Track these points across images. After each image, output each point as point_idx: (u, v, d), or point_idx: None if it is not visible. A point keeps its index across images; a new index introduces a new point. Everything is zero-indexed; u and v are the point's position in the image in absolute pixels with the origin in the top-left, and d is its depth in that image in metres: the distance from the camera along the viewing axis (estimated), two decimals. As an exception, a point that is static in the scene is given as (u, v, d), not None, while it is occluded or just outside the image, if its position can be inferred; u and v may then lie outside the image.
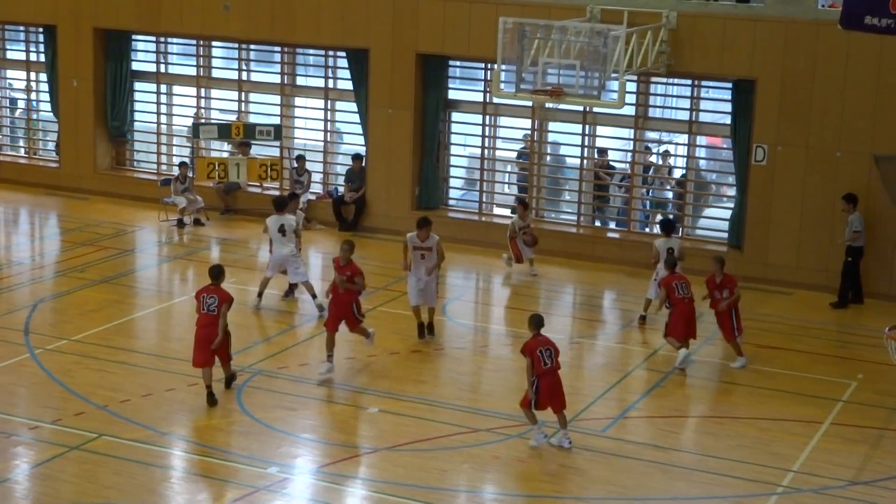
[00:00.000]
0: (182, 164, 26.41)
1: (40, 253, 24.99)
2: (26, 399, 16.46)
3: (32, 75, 30.05)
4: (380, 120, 25.76)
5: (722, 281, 18.58)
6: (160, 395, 16.55)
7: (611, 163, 25.88)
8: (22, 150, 30.91)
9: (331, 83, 27.25)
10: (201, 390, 16.65)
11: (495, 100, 24.76)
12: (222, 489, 13.93)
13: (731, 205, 24.08)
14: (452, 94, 26.25)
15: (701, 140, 25.74)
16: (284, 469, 14.53)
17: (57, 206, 27.78)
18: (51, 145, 30.36)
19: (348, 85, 26.47)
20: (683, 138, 25.39)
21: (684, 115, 24.76)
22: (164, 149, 29.17)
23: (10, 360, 17.67)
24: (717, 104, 25.18)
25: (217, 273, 16.79)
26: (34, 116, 30.80)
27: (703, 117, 24.71)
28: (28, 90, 30.44)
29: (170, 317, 20.59)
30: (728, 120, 23.79)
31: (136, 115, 29.19)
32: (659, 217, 24.23)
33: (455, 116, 26.38)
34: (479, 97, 26.04)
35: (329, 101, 27.30)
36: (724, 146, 25.01)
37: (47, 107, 29.61)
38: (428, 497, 13.86)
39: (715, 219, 25.23)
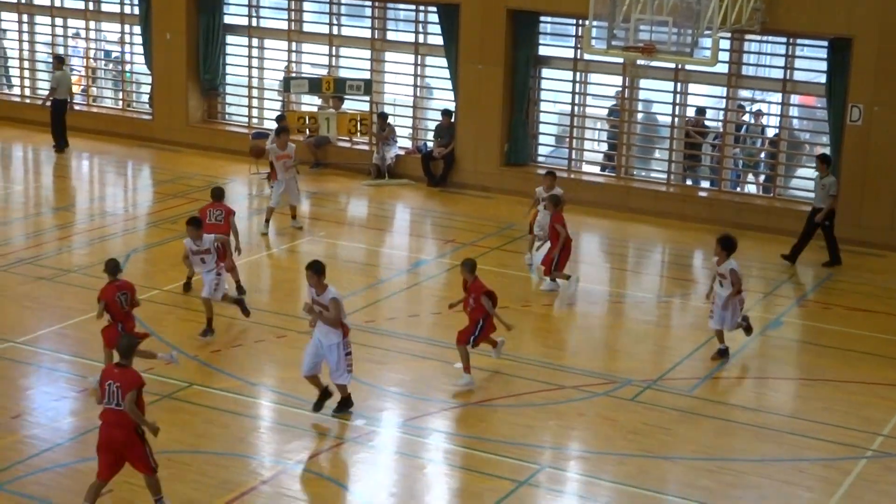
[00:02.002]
0: (280, 118, 26.50)
1: (133, 204, 25.36)
2: (120, 347, 16.71)
3: (126, 28, 30.37)
4: (470, 75, 25.70)
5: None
6: (250, 347, 16.76)
7: (703, 121, 25.61)
8: (116, 103, 31.31)
9: (421, 38, 27.22)
10: (292, 342, 16.85)
11: (586, 56, 24.53)
12: (311, 440, 14.10)
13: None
14: (543, 51, 26.11)
15: (794, 99, 25.34)
16: (371, 422, 14.66)
17: (150, 157, 28.13)
18: (144, 98, 30.75)
19: (439, 40, 26.43)
20: (777, 97, 25.03)
21: (778, 74, 24.40)
22: (255, 102, 29.39)
23: (104, 309, 17.96)
24: (812, 62, 24.75)
25: (219, 193, 18.86)
26: (128, 69, 31.16)
27: (798, 76, 24.30)
28: (122, 43, 30.79)
29: (260, 269, 20.81)
30: (823, 79, 23.39)
31: (228, 69, 29.42)
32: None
33: (545, 73, 26.25)
34: (569, 53, 25.88)
35: (419, 57, 27.29)
36: (819, 105, 24.62)
37: (141, 59, 29.94)
38: (513, 452, 13.91)
39: (808, 179, 24.88)
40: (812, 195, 23.90)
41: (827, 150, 22.97)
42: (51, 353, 16.39)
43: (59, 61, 28.51)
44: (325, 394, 14.67)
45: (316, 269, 14.55)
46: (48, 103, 28.16)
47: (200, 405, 14.87)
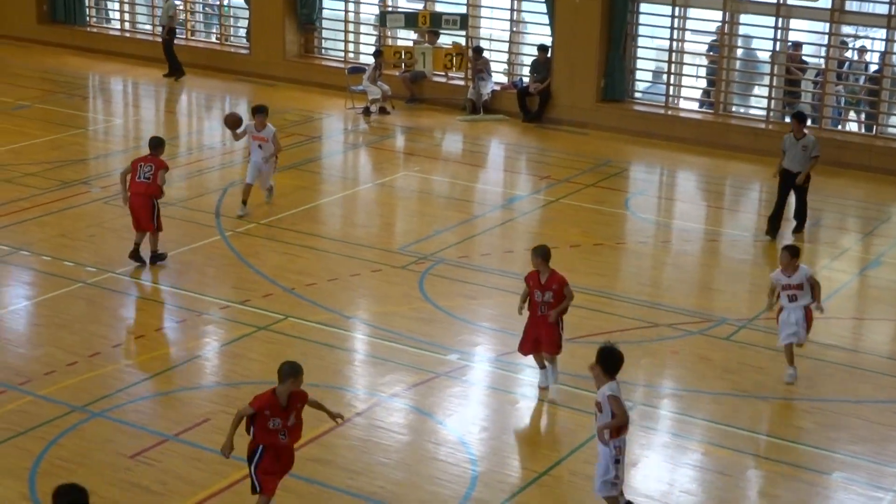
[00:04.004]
0: (379, 53, 26.48)
1: (230, 138, 25.53)
2: (217, 279, 16.98)
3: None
4: (567, 10, 25.45)
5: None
6: (345, 280, 16.89)
7: (803, 57, 25.14)
8: (214, 37, 31.53)
9: (518, -28, 27.01)
10: (387, 276, 16.97)
11: (686, -10, 24.22)
12: (405, 373, 14.21)
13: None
14: (642, -15, 25.80)
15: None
16: (464, 356, 14.73)
17: (247, 91, 28.33)
18: (241, 32, 30.93)
19: (535, -26, 26.21)
20: (881, 33, 24.47)
21: (883, 9, 23.82)
22: (351, 37, 29.41)
23: (201, 242, 18.23)
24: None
25: (156, 143, 17.27)
26: (226, 3, 31.32)
27: (904, 11, 23.75)
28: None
29: (354, 203, 20.92)
30: (931, 13, 22.81)
31: (325, 3, 29.42)
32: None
33: (643, 7, 25.88)
34: (669, -12, 25.53)
35: (516, -9, 27.09)
36: (926, 41, 24.03)
37: (239, -7, 30.12)
38: (606, 389, 13.89)
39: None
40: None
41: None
42: (150, 283, 16.67)
43: None
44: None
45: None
46: (166, 33, 28.63)
47: (296, 337, 15.05)
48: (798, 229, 19.33)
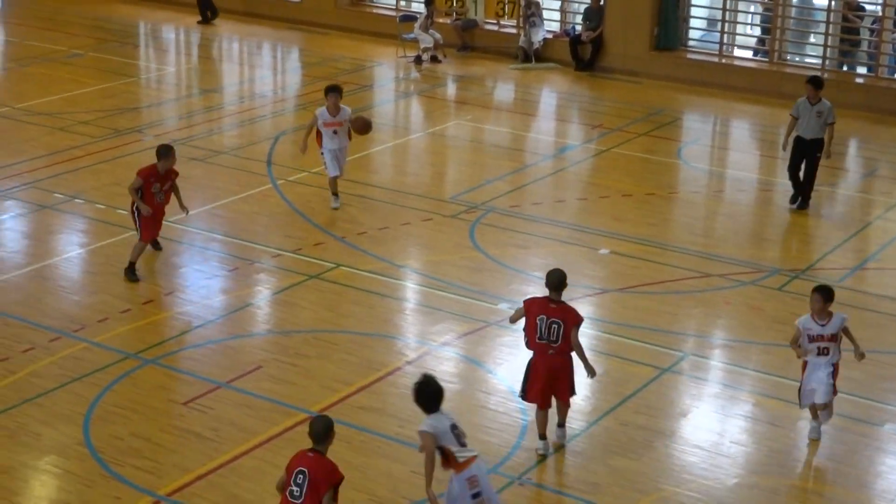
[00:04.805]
0: (429, 1, 26.36)
1: (282, 86, 25.61)
2: (269, 228, 17.04)
3: None
4: (620, -43, 25.22)
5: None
6: (396, 229, 16.90)
7: (861, 4, 24.76)
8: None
9: (571, -82, 26.75)
10: (437, 225, 16.98)
11: (741, -64, 23.91)
12: (455, 323, 14.24)
13: None
14: (697, -69, 25.48)
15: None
16: (514, 306, 14.66)
17: (298, 40, 28.31)
18: (293, -20, 30.84)
19: (589, -80, 25.94)
20: (941, -21, 24.06)
21: (944, -46, 23.44)
22: (402, -15, 29.30)
23: (253, 190, 18.29)
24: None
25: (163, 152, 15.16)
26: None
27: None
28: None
29: (405, 152, 20.91)
30: None
31: (376, -49, 29.33)
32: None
33: (698, -46, 25.62)
34: (724, -67, 25.20)
35: (569, -63, 26.84)
36: None
37: (290, -59, 30.03)
38: (657, 339, 13.88)
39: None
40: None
41: None
42: (203, 231, 16.75)
43: None
44: None
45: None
46: None
47: (347, 286, 15.11)
48: (805, 204, 17.95)
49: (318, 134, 17.28)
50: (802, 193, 17.95)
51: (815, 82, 17.79)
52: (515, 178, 19.27)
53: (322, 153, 17.37)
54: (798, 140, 17.71)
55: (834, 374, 11.76)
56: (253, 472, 11.19)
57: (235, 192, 18.18)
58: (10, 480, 11.09)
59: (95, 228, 16.86)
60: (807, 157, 17.72)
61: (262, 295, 15.02)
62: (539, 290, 15.20)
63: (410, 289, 15.39)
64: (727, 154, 21.81)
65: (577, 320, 11.37)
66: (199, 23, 29.15)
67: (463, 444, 9.78)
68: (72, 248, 16.28)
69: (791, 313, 14.62)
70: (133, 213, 15.18)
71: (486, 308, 14.59)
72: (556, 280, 11.49)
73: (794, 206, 17.99)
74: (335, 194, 17.52)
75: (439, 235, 16.77)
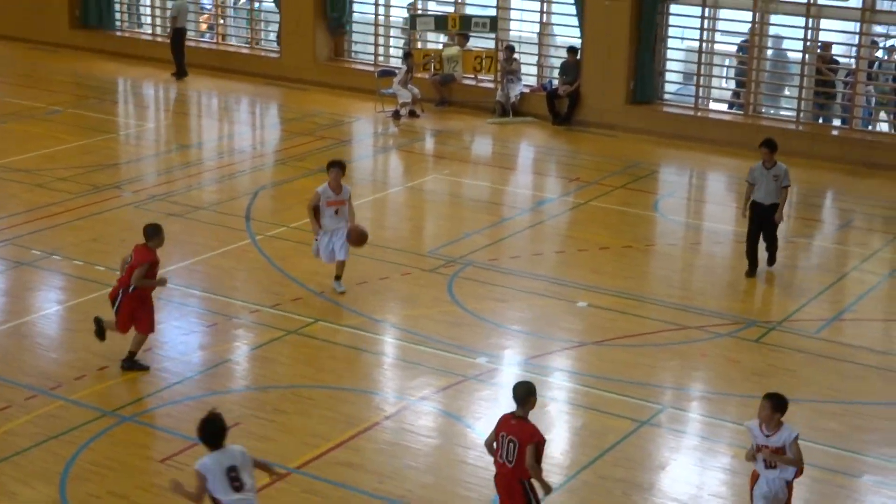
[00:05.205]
0: (407, 55, 26.51)
1: (261, 142, 25.68)
2: (247, 283, 17.04)
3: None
4: (597, 12, 25.42)
5: None
6: (374, 283, 16.91)
7: (834, 57, 25.01)
8: (245, 41, 31.66)
9: (548, -26, 27.00)
10: (416, 279, 17.00)
11: (715, -9, 24.20)
12: (433, 377, 14.23)
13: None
14: (671, -14, 25.75)
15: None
16: (493, 359, 14.74)
17: (277, 95, 28.43)
18: (272, 36, 31.03)
19: (564, -24, 26.19)
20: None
21: (915, 8, 23.73)
22: (381, 40, 29.45)
23: (231, 245, 18.30)
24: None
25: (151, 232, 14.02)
26: (256, 7, 31.45)
27: (935, 10, 23.60)
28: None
29: (384, 207, 20.96)
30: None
31: (355, 6, 29.49)
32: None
33: (673, 9, 25.81)
34: (698, -11, 25.47)
35: (545, -7, 27.08)
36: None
37: (269, -2, 30.26)
38: (634, 392, 13.89)
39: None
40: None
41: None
42: (181, 287, 16.70)
43: None
44: None
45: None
46: (172, 33, 29.01)
47: (326, 341, 15.10)
48: (771, 263, 17.51)
49: (317, 213, 16.06)
50: (770, 255, 17.44)
51: (770, 145, 17.15)
52: (493, 231, 19.33)
53: (316, 238, 16.27)
54: (755, 206, 17.14)
55: (788, 492, 10.41)
56: (231, 530, 11.11)
57: (214, 247, 18.19)
58: (-15, 540, 11.02)
59: (73, 285, 16.82)
60: (765, 223, 17.17)
61: (241, 351, 14.99)
62: (517, 343, 15.28)
63: (389, 343, 15.38)
64: (703, 206, 21.92)
65: (532, 440, 10.00)
66: (172, 74, 29.23)
67: (236, 490, 9.61)
68: (49, 305, 16.23)
69: (768, 364, 14.71)
70: (117, 301, 13.87)
71: (465, 362, 14.59)
72: (521, 393, 10.21)
73: (752, 277, 17.34)
74: (338, 277, 16.43)
75: (418, 289, 16.79)
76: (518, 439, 10.03)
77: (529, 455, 9.94)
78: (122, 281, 13.92)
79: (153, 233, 13.88)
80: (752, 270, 17.37)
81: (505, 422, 10.18)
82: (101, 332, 14.32)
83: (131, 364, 14.14)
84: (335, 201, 16.03)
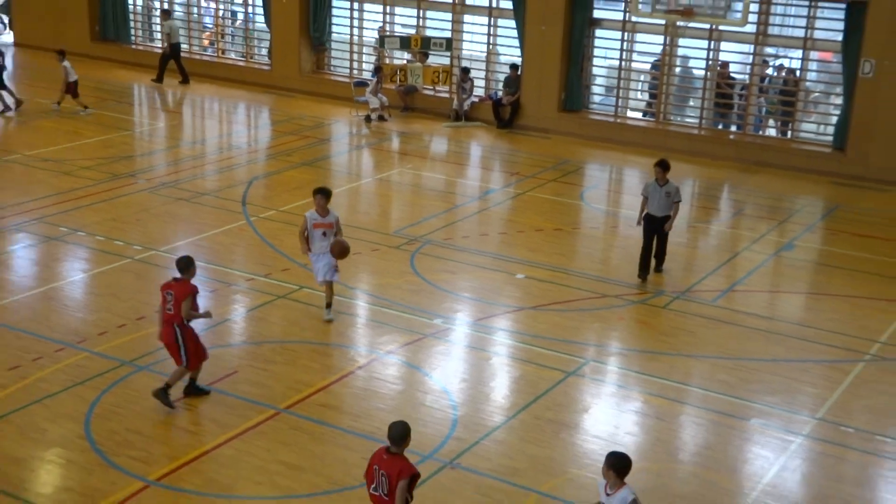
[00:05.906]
0: (378, 70, 26.45)
1: (255, 139, 25.57)
2: (243, 257, 16.99)
3: (249, -8, 30.40)
4: (534, 35, 25.47)
5: None
6: (350, 258, 16.71)
7: (732, 74, 25.21)
8: (241, 56, 31.47)
9: (494, 3, 26.96)
10: (384, 254, 17.02)
11: (633, 18, 24.28)
12: (398, 334, 14.28)
13: (838, 112, 23.33)
14: (597, 14, 25.79)
15: (813, 55, 24.84)
16: (447, 321, 14.80)
17: (268, 101, 28.30)
18: (264, 52, 30.83)
19: (509, 4, 26.16)
20: (798, 53, 24.55)
21: (799, 33, 23.91)
22: (355, 56, 29.36)
23: (231, 225, 18.25)
24: (831, 23, 24.15)
25: (183, 265, 12.26)
26: (251, 27, 31.27)
27: (817, 34, 23.77)
28: (246, 5, 30.87)
29: (357, 194, 20.94)
30: (840, 37, 22.86)
31: (334, 28, 29.38)
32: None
33: (598, 33, 25.94)
34: (619, 16, 25.52)
35: (492, 19, 27.06)
36: (835, 60, 24.10)
37: (261, 19, 30.04)
38: (563, 348, 14.01)
39: (822, 124, 24.54)
40: (825, 138, 23.55)
41: (839, 101, 22.42)
42: (187, 260, 16.65)
43: (167, 14, 29.50)
44: None
45: None
46: (167, 48, 29.14)
47: (309, 304, 15.10)
48: (658, 269, 16.74)
49: (307, 239, 14.45)
50: (658, 261, 16.70)
51: (663, 165, 16.35)
52: (448, 216, 19.38)
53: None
54: (649, 218, 16.47)
55: None
56: (230, 460, 11.16)
57: (216, 226, 18.13)
58: (20, 470, 10.98)
59: (95, 257, 16.73)
60: (658, 232, 16.50)
61: (238, 312, 14.98)
62: (467, 307, 15.36)
63: (361, 306, 15.41)
64: (621, 197, 22.07)
65: (404, 475, 8.67)
66: (180, 83, 29.09)
67: None
68: (75, 274, 16.15)
69: (673, 327, 14.87)
70: (178, 339, 12.09)
71: (424, 323, 14.65)
72: (396, 434, 8.79)
73: (643, 280, 16.44)
74: (328, 305, 14.64)
75: (385, 263, 16.82)
76: (388, 474, 8.68)
77: (401, 490, 8.60)
78: (170, 319, 12.04)
79: (186, 265, 12.10)
80: (643, 273, 16.45)
81: (378, 455, 8.81)
82: (166, 398, 12.10)
83: (195, 390, 12.45)
84: (321, 224, 14.31)
